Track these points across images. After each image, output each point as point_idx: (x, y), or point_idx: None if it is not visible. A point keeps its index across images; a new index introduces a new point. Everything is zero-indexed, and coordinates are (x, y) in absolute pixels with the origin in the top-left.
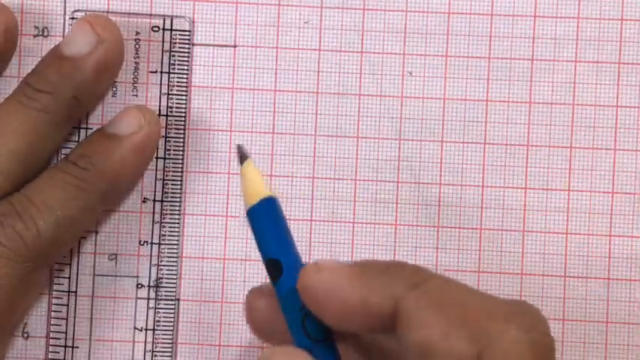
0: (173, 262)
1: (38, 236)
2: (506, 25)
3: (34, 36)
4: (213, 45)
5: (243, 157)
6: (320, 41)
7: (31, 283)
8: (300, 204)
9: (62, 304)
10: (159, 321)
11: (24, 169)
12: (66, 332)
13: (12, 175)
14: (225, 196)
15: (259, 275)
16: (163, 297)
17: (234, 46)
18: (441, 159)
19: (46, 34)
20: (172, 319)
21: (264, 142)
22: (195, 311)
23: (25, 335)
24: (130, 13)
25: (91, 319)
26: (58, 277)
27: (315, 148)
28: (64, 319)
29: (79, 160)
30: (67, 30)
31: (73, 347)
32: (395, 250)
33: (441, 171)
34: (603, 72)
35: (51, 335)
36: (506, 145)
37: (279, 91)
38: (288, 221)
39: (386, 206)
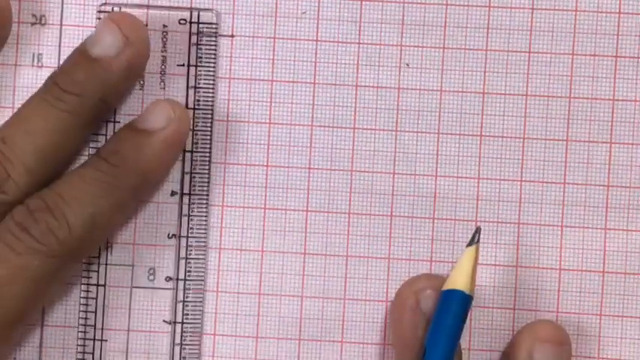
0: (201, 254)
1: (69, 233)
2: (503, 17)
3: (32, 24)
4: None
5: (472, 240)
6: (317, 32)
7: (58, 278)
8: (295, 194)
9: (91, 297)
10: (187, 314)
11: (48, 168)
12: (95, 324)
13: (36, 173)
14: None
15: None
16: (192, 289)
17: (232, 36)
18: (437, 151)
19: (43, 22)
20: (200, 312)
21: (261, 132)
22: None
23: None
24: (156, 6)
25: (119, 310)
26: (88, 271)
27: (311, 138)
28: (92, 312)
29: (110, 156)
30: (64, 18)
31: (102, 340)
32: (390, 242)
33: (437, 163)
34: (600, 65)
35: (80, 328)
36: (503, 137)
37: (276, 81)
38: (284, 212)
39: (382, 197)
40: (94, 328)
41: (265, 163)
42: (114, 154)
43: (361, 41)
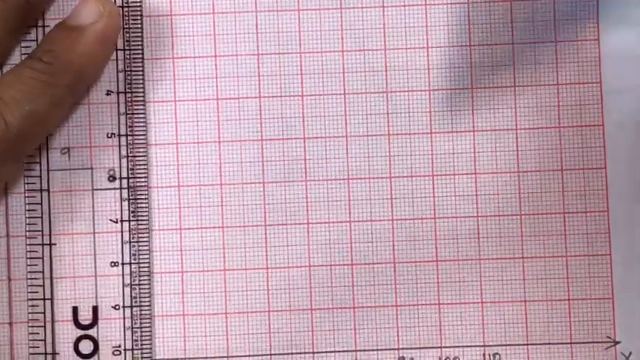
0: (142, 150)
1: (7, 130)
2: None
3: None
4: None
5: None
6: None
7: (0, 177)
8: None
9: (36, 203)
10: (134, 210)
11: None
12: (42, 230)
13: None
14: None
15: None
16: (137, 186)
17: None
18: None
19: None
20: (147, 208)
21: (206, 22)
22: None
23: None
24: None
25: (70, 213)
26: (29, 177)
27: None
28: (39, 217)
29: (44, 55)
30: None
31: (50, 245)
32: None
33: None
34: None
35: (28, 234)
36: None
37: None
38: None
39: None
40: (42, 234)
41: (214, 54)
42: (48, 53)
43: None
